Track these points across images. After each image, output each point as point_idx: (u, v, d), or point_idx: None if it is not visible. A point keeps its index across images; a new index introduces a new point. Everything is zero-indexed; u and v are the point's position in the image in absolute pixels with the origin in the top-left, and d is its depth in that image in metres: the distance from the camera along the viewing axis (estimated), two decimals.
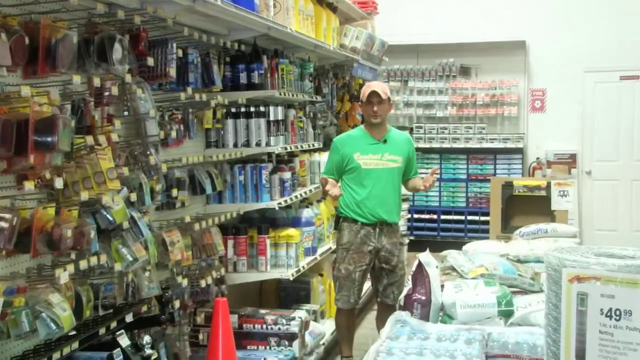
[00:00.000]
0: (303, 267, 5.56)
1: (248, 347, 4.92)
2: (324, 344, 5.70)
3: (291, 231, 5.49)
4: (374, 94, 5.04)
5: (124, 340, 3.67)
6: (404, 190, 5.37)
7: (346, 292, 5.13)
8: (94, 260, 3.40)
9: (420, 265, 3.06)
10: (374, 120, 5.08)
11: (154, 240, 3.98)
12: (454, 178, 10.62)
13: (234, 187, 5.23)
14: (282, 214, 5.81)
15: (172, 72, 4.20)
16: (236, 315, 4.95)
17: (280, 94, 5.40)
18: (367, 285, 5.98)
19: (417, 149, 10.66)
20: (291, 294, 6.15)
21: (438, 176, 10.33)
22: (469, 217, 10.43)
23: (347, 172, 5.14)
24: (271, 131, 5.32)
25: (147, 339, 3.89)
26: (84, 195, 3.30)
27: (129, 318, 3.73)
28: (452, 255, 3.67)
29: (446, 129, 10.58)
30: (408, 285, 3.11)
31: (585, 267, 1.82)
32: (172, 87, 4.45)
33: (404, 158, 5.16)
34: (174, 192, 4.43)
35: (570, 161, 10.22)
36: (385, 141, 5.13)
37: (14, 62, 2.90)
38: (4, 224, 2.80)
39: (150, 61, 4.00)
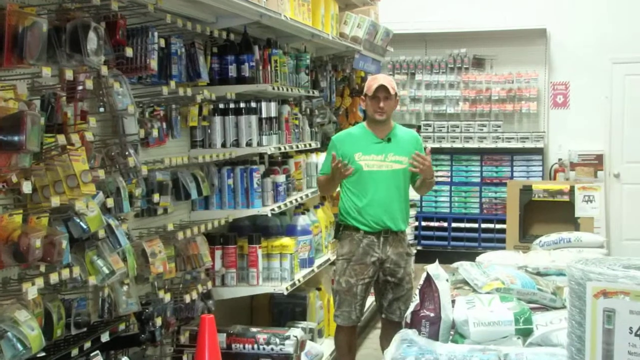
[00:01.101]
0: (299, 280, 5.56)
1: None
2: None
3: (285, 240, 5.49)
4: (381, 88, 5.03)
5: None
6: (412, 194, 5.36)
7: (347, 307, 5.13)
8: (65, 273, 3.39)
9: (428, 278, 3.06)
10: (379, 117, 5.08)
11: (132, 250, 3.97)
12: (466, 182, 10.62)
13: (222, 191, 5.23)
14: (275, 221, 5.80)
15: (154, 64, 4.20)
16: (224, 334, 4.94)
17: (273, 89, 5.40)
18: (370, 300, 5.97)
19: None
20: (285, 310, 6.15)
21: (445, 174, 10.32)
22: (483, 225, 10.44)
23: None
24: (263, 129, 5.32)
25: None
26: (55, 201, 3.29)
27: (104, 338, 3.72)
28: (464, 268, 3.67)
29: (457, 127, 10.59)
30: (415, 300, 3.11)
31: (612, 281, 1.82)
32: (153, 80, 4.45)
33: (410, 158, 5.14)
34: (156, 197, 4.42)
35: (596, 163, 10.23)
36: (389, 140, 5.13)
37: None
38: None
39: (129, 52, 3.99)
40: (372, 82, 5.11)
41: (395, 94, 5.12)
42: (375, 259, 5.06)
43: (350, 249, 5.09)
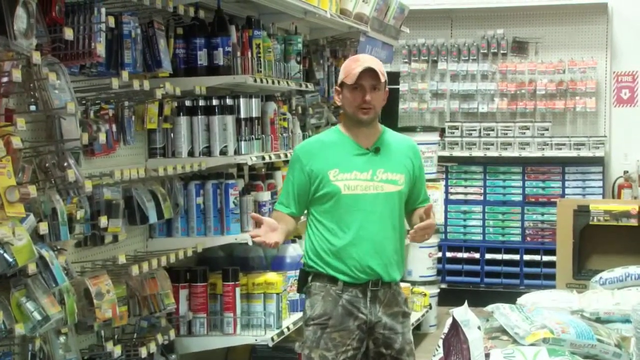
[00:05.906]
0: (288, 327, 5.55)
1: None
2: None
3: (271, 276, 5.48)
4: (368, 73, 4.72)
5: None
6: None
7: None
8: None
9: (455, 325, 3.06)
10: (364, 116, 4.68)
11: (72, 290, 3.96)
12: (504, 201, 10.61)
13: (189, 213, 5.23)
14: (257, 251, 5.79)
15: (100, 49, 4.19)
16: None
17: (255, 81, 5.40)
18: None
19: (452, 159, 10.74)
20: None
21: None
22: (526, 257, 10.42)
23: (318, 201, 4.78)
24: (242, 134, 5.32)
25: None
26: None
27: None
28: (501, 312, 3.66)
29: (493, 130, 10.59)
30: (438, 354, 3.10)
31: None
32: (100, 70, 4.45)
33: (407, 176, 4.81)
34: (103, 220, 4.42)
35: None
36: (377, 150, 4.79)
37: None
38: None
39: (69, 33, 3.99)
40: (353, 65, 4.63)
41: (385, 82, 4.80)
42: (362, 323, 4.67)
43: (325, 310, 4.64)
